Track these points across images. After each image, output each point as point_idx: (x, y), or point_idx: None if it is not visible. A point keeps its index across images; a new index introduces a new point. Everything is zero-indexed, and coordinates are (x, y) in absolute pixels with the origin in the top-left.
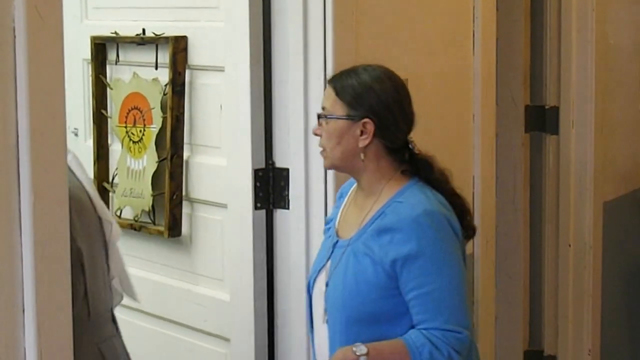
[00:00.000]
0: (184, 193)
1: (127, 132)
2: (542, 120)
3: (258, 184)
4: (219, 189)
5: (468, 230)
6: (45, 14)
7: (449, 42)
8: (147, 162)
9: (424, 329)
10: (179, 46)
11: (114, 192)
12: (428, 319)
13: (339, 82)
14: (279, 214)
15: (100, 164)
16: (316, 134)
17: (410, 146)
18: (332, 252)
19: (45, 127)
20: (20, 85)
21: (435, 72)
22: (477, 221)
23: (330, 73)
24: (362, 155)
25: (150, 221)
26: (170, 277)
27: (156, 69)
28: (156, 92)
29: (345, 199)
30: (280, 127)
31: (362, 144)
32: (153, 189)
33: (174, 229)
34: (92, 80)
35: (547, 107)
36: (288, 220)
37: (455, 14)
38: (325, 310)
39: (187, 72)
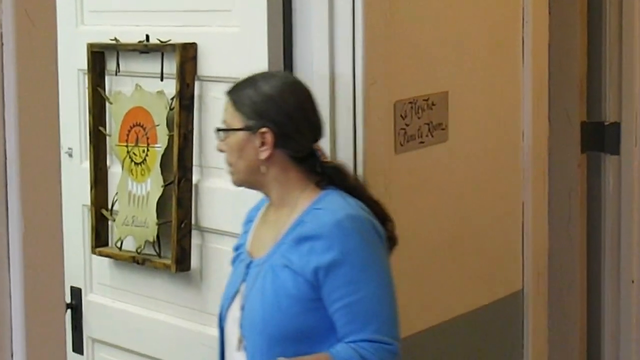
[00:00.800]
0: (193, 221)
1: (128, 152)
2: (600, 138)
3: None
4: (233, 216)
5: (390, 240)
6: (36, 18)
7: (495, 50)
8: (151, 186)
9: (352, 341)
10: (187, 54)
11: (114, 220)
12: (355, 330)
13: (236, 93)
14: None
15: (98, 189)
16: (220, 150)
17: (317, 154)
18: (247, 273)
19: (36, 147)
20: (8, 99)
21: (478, 84)
22: (527, 253)
23: (360, 83)
24: (263, 168)
25: (155, 253)
26: (179, 317)
27: (161, 80)
28: (161, 107)
29: (254, 222)
30: None
31: (262, 155)
32: (158, 216)
33: (182, 262)
34: (88, 94)
35: (606, 123)
36: None
37: (502, 18)
38: (242, 337)
39: (197, 84)
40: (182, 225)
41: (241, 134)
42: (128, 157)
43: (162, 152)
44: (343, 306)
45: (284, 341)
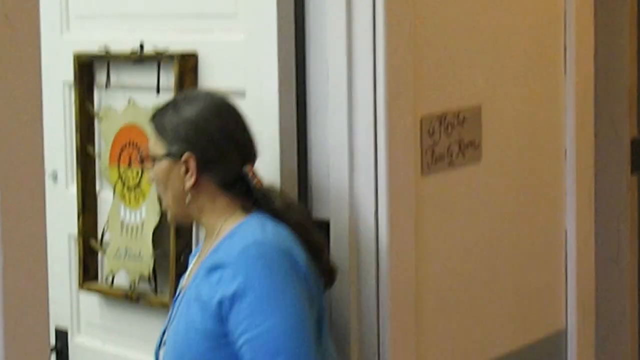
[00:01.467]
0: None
1: (120, 175)
2: None
3: None
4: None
5: (324, 273)
6: (17, 23)
7: (534, 58)
8: (146, 214)
9: None
10: (186, 65)
11: (104, 252)
12: None
13: (157, 119)
14: None
15: (86, 217)
16: (153, 181)
17: (247, 179)
18: (172, 308)
19: (17, 170)
20: None
21: (515, 96)
22: (570, 287)
23: (381, 96)
24: (187, 198)
25: (151, 290)
26: None
27: (158, 94)
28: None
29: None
30: (318, 170)
31: (188, 184)
32: (154, 248)
33: None
34: (75, 109)
35: None
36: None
37: (542, 21)
38: None
39: None
40: (181, 259)
41: (165, 162)
42: (120, 180)
43: None
44: (246, 341)
45: None
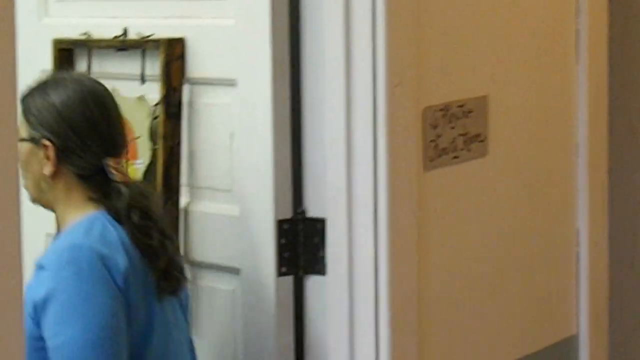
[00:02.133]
0: (181, 253)
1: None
2: None
3: (283, 240)
4: (230, 247)
5: (160, 281)
6: None
7: (544, 46)
8: None
9: None
10: (173, 52)
11: None
12: None
13: (25, 100)
14: (312, 283)
15: None
16: None
17: (107, 171)
18: None
19: None
20: None
21: (524, 87)
22: (582, 290)
23: (381, 85)
24: (43, 184)
25: None
26: None
27: (142, 83)
28: (142, 115)
29: None
30: (313, 163)
31: (45, 170)
32: None
33: None
34: None
35: None
36: (324, 291)
37: (552, 6)
38: None
39: (186, 87)
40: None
41: (26, 145)
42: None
43: (143, 169)
44: (51, 350)
45: None
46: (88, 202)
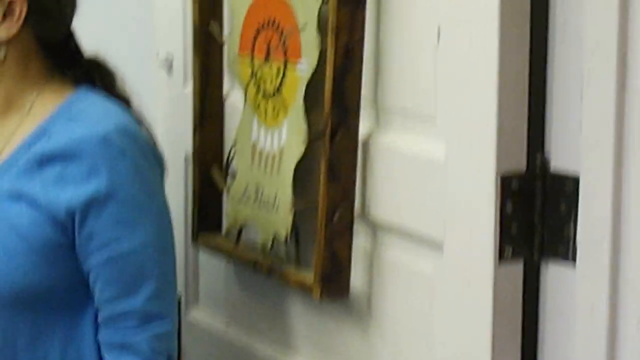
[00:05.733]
0: (357, 209)
1: (254, 72)
2: None
3: (509, 206)
4: (428, 208)
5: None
6: None
7: None
8: (287, 138)
9: (110, 318)
10: None
11: (228, 190)
12: (119, 297)
13: None
14: (553, 273)
15: (206, 132)
16: None
17: (74, 40)
18: None
19: None
20: None
21: None
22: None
23: None
24: (1, 53)
25: (288, 259)
26: None
27: None
28: None
29: None
30: (561, 91)
31: (5, 34)
32: (296, 194)
33: (333, 281)
34: None
35: None
36: (572, 287)
37: None
38: None
39: None
40: (335, 216)
41: None
42: (253, 81)
43: (308, 77)
44: (106, 260)
45: (13, 305)
46: (53, 78)
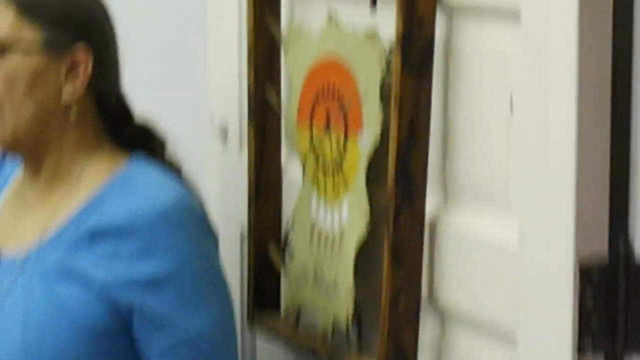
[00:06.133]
0: (425, 294)
1: (312, 142)
2: None
3: (590, 297)
4: (501, 298)
5: None
6: None
7: None
8: (348, 216)
9: None
10: None
11: (285, 269)
12: None
13: None
14: None
15: (262, 206)
16: None
17: (125, 101)
18: None
19: None
20: None
21: None
22: None
23: None
24: (72, 117)
25: (351, 347)
26: None
27: (374, 6)
28: (372, 62)
29: (4, 188)
30: None
31: (71, 95)
32: (358, 278)
33: None
34: (248, 28)
35: None
36: None
37: None
38: None
39: (440, 17)
40: (401, 303)
41: (37, 56)
42: (312, 153)
43: (371, 150)
44: (169, 348)
45: None
46: (104, 143)
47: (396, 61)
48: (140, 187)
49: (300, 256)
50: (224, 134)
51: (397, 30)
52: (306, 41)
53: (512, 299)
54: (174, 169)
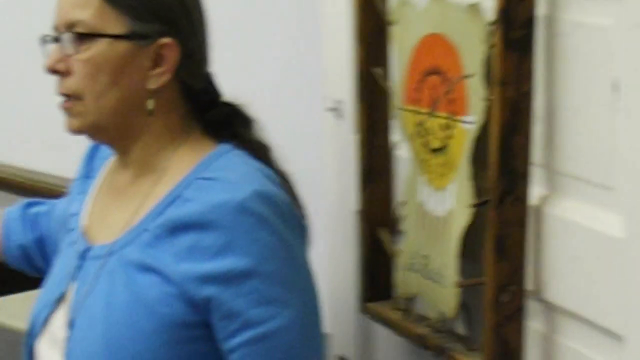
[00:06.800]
0: (531, 287)
1: (419, 123)
2: None
3: None
4: (607, 295)
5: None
6: None
7: None
8: (453, 200)
9: None
10: None
11: (396, 254)
12: None
13: None
14: None
15: (374, 190)
16: (55, 70)
17: (214, 85)
18: (80, 267)
19: None
20: None
21: None
22: None
23: None
24: (149, 104)
25: (458, 338)
26: None
27: None
28: (475, 36)
29: (96, 180)
30: None
31: (155, 83)
32: (464, 267)
33: None
34: (355, 4)
35: None
36: None
37: None
38: None
39: None
40: (505, 296)
41: (121, 45)
42: (419, 133)
43: (476, 132)
44: (246, 342)
45: None
46: (190, 131)
47: (498, 37)
48: (220, 178)
49: (410, 242)
50: (338, 113)
51: (498, 5)
52: (412, 17)
53: (619, 293)
54: (263, 150)
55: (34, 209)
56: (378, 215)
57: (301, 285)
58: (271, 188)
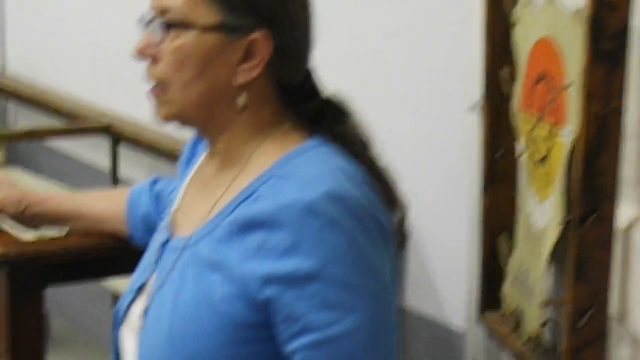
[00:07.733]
0: (612, 313)
1: (530, 131)
2: None
3: None
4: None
5: (398, 236)
6: None
7: None
8: (551, 214)
9: None
10: None
11: (505, 266)
12: None
13: None
14: None
15: (496, 194)
16: (144, 55)
17: (313, 81)
18: (160, 257)
19: None
20: None
21: None
22: None
23: None
24: (240, 100)
25: (547, 357)
26: None
27: None
28: (579, 47)
29: (190, 170)
30: None
31: (244, 77)
32: (552, 285)
33: None
34: (484, 4)
35: None
36: None
37: None
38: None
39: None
40: (584, 321)
41: (211, 36)
42: (530, 140)
43: (571, 142)
44: (305, 347)
45: None
46: (280, 124)
47: (586, 45)
48: (294, 174)
49: (517, 253)
50: (476, 107)
51: (587, 14)
52: (530, 18)
53: None
54: (358, 149)
55: (159, 185)
56: (498, 223)
57: (371, 289)
58: (347, 188)
